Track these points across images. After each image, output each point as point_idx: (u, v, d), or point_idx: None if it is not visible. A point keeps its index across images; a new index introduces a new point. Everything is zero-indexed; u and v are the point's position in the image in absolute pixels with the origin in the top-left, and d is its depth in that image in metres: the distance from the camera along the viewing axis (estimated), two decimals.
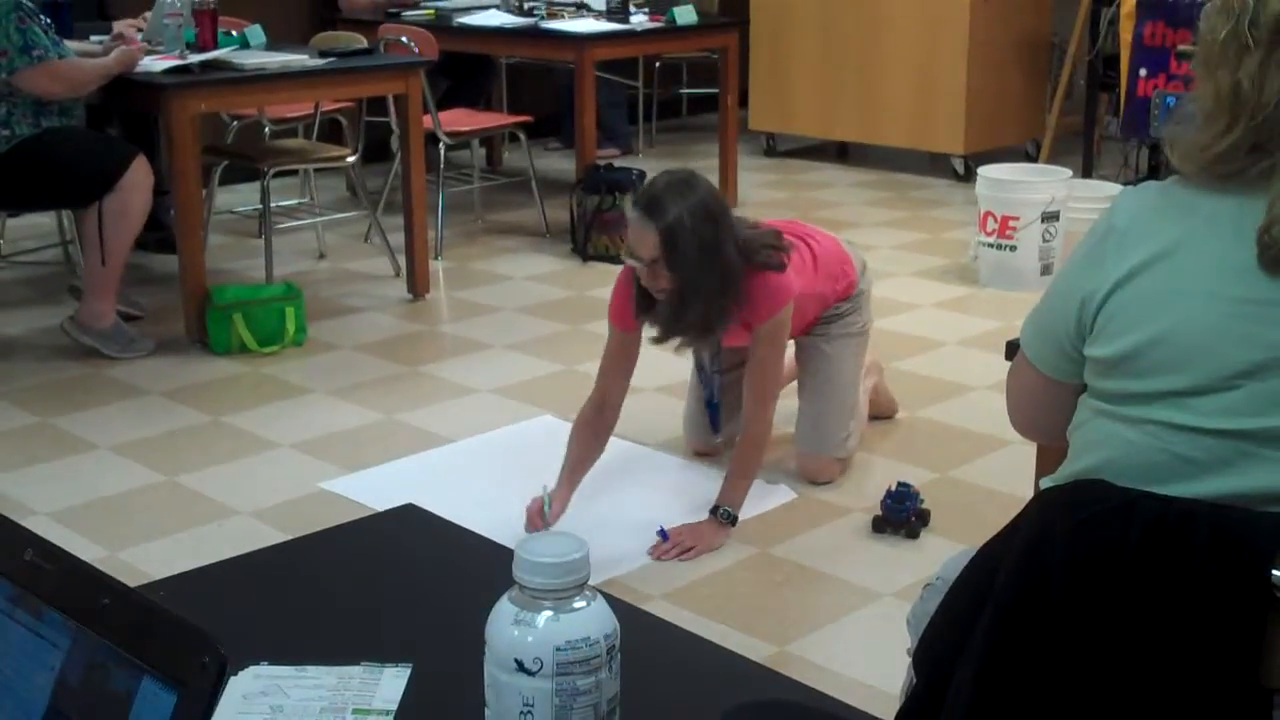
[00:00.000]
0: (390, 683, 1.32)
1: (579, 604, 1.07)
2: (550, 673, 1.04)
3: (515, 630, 1.06)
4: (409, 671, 1.33)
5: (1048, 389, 1.85)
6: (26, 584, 0.94)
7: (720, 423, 4.12)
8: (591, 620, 1.07)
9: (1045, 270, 5.73)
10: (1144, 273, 1.67)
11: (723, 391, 4.05)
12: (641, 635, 1.27)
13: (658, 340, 3.69)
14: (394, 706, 1.28)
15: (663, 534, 3.64)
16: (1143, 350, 1.67)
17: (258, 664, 1.35)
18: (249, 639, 1.40)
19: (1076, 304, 1.74)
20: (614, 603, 1.22)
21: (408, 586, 1.48)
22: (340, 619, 1.44)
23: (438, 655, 1.34)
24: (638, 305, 3.63)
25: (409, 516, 1.62)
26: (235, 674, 1.33)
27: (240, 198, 6.88)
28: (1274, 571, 1.51)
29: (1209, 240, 1.64)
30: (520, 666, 1.04)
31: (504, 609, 1.07)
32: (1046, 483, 1.80)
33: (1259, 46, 1.60)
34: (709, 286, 3.51)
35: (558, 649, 1.05)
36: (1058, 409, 1.83)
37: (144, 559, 3.56)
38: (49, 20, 4.97)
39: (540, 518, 3.55)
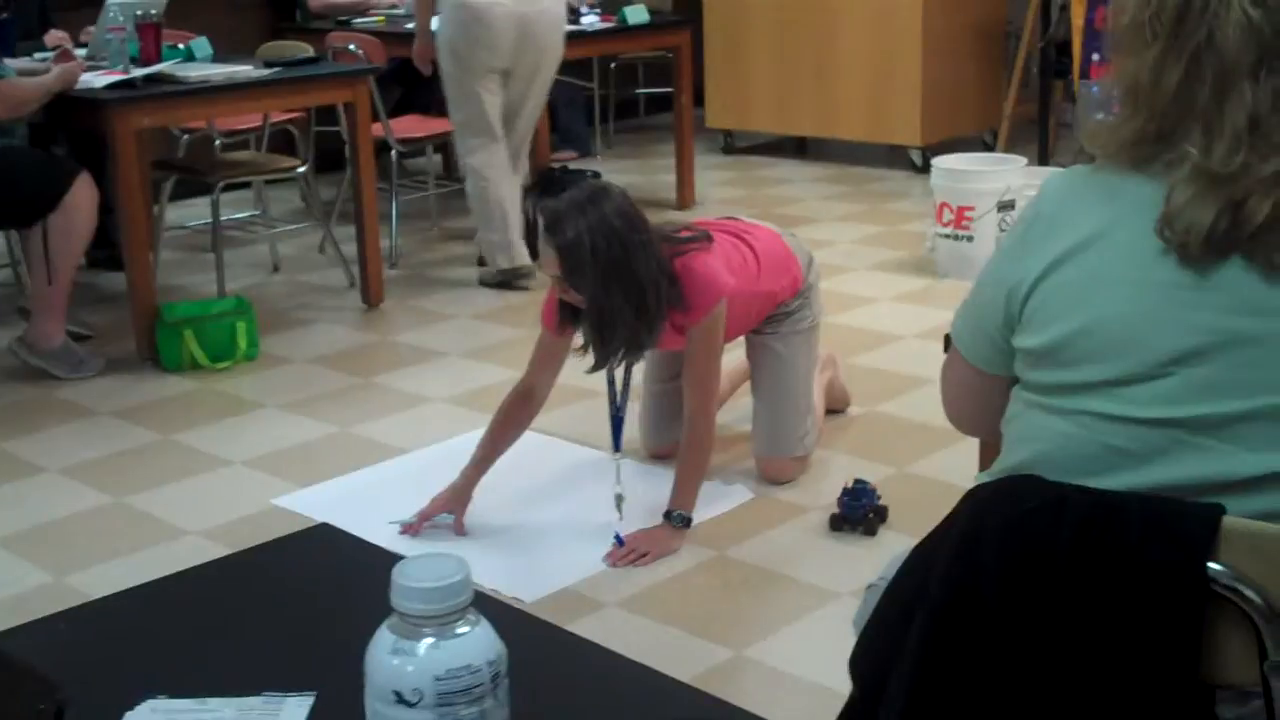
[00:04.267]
0: (292, 713, 1.27)
1: (461, 629, 1.02)
2: (431, 704, 0.99)
3: (394, 660, 1.01)
4: (311, 701, 1.28)
5: (980, 382, 1.81)
6: None
7: (648, 421, 4.08)
8: (474, 646, 1.01)
9: None
10: (1070, 260, 1.63)
11: (667, 399, 3.98)
12: (550, 654, 1.23)
13: (593, 369, 3.64)
14: None
15: (619, 540, 3.59)
16: (1071, 339, 1.63)
17: (156, 697, 1.30)
18: (149, 670, 1.36)
19: (1004, 294, 1.70)
20: (523, 620, 1.17)
21: (316, 611, 1.43)
22: (245, 647, 1.39)
23: (342, 684, 1.29)
24: (563, 316, 3.62)
25: (323, 537, 1.57)
26: (132, 709, 1.28)
27: (194, 212, 6.81)
28: (1210, 564, 1.47)
29: (1133, 225, 1.60)
30: (400, 699, 1.00)
31: (382, 638, 1.02)
32: (981, 478, 1.76)
33: (1158, 38, 1.57)
34: (620, 306, 3.45)
35: (438, 678, 0.99)
36: (991, 402, 1.80)
37: (91, 583, 3.50)
38: None
39: (422, 523, 3.66)
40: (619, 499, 3.76)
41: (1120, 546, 1.50)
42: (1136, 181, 1.61)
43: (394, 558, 1.58)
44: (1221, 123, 1.54)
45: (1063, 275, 1.63)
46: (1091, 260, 1.61)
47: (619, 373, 3.74)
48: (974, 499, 1.60)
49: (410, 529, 3.66)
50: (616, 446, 3.82)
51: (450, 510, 3.68)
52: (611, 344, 3.54)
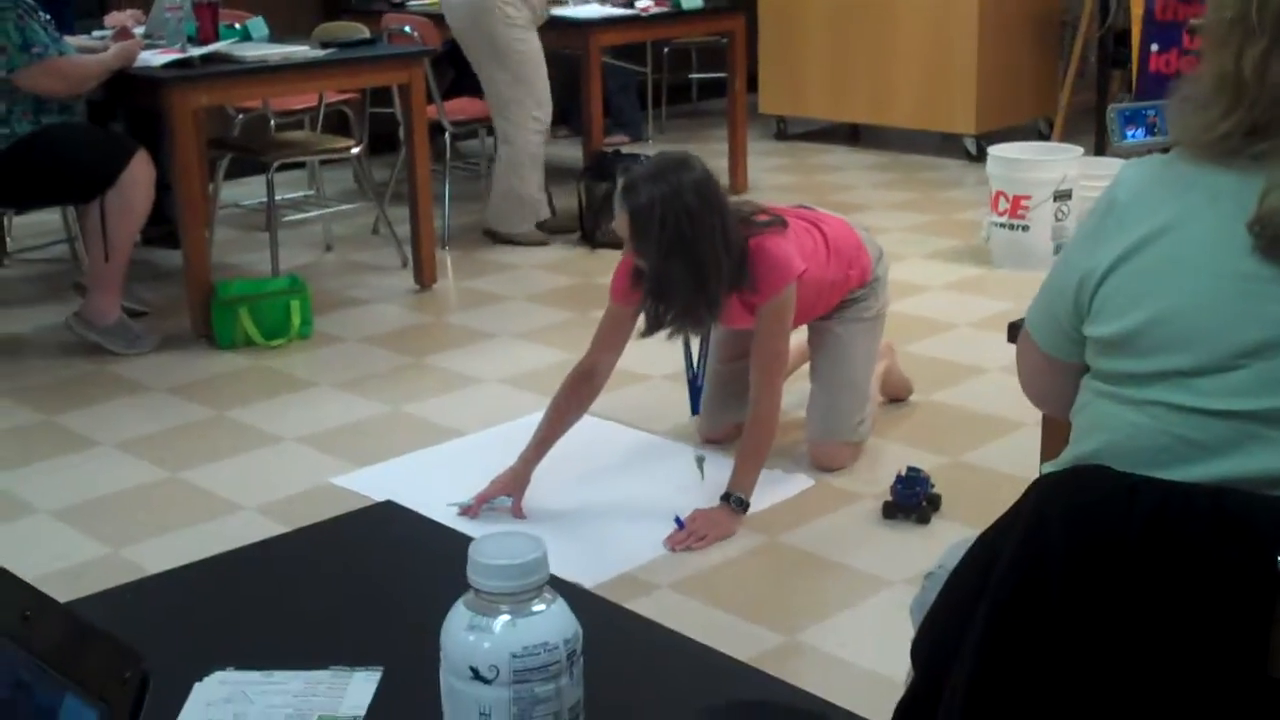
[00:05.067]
0: (359, 687, 1.27)
1: (537, 607, 1.02)
2: (507, 680, 0.99)
3: (470, 636, 1.01)
4: (379, 676, 1.29)
5: (1052, 368, 1.80)
6: None
7: (699, 404, 4.09)
8: (550, 624, 1.01)
9: (1058, 250, 5.66)
10: (1144, 249, 1.62)
11: (728, 380, 3.99)
12: (617, 634, 1.23)
13: (645, 334, 3.68)
14: (361, 712, 1.24)
15: (679, 523, 3.59)
16: (1144, 329, 1.61)
17: (224, 669, 1.30)
18: (217, 642, 1.36)
19: (1075, 283, 1.69)
20: (590, 600, 1.17)
21: (383, 587, 1.44)
22: (312, 621, 1.40)
23: (410, 658, 1.29)
24: (635, 284, 3.62)
25: (388, 514, 1.58)
26: (200, 679, 1.29)
27: (248, 190, 6.85)
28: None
29: (1209, 216, 1.59)
30: (476, 674, 0.99)
31: (458, 614, 1.02)
32: (1048, 468, 1.74)
33: (1264, 33, 1.55)
34: (680, 277, 3.48)
35: (514, 655, 0.99)
36: (1065, 388, 1.78)
37: (146, 556, 3.53)
38: (49, 16, 4.93)
39: (480, 505, 3.66)
40: (700, 460, 3.86)
41: (1189, 539, 1.48)
42: (1213, 172, 1.59)
43: (459, 536, 1.59)
44: None
45: (1136, 265, 1.62)
46: (1165, 250, 1.60)
47: (695, 344, 3.86)
48: (1040, 488, 1.59)
49: (468, 511, 3.66)
50: (695, 410, 3.94)
51: (509, 493, 3.68)
52: (666, 314, 3.58)
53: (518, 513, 3.66)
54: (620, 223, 3.51)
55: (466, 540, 1.60)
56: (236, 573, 1.53)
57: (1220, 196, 1.59)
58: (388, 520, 1.59)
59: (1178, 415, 1.59)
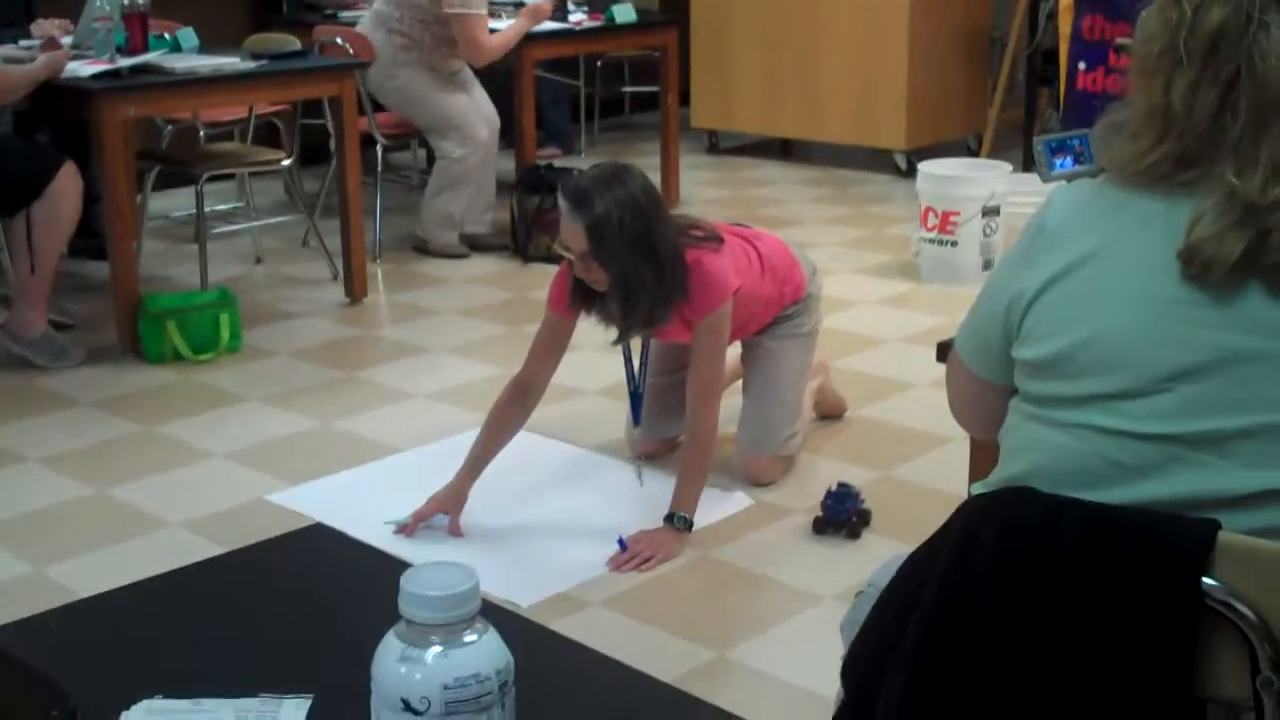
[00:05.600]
0: (289, 714, 1.26)
1: (469, 638, 1.01)
2: (439, 712, 0.99)
3: (402, 668, 1.00)
4: (309, 704, 1.28)
5: (981, 390, 1.82)
6: None
7: (642, 415, 4.09)
8: (482, 655, 1.01)
9: (986, 265, 5.72)
10: (1073, 273, 1.64)
11: (665, 394, 4.00)
12: (548, 660, 1.22)
13: (618, 340, 3.70)
14: None
15: (622, 544, 3.58)
16: (1072, 352, 1.63)
17: (151, 698, 1.29)
18: (144, 670, 1.35)
19: (1004, 305, 1.71)
20: (521, 625, 1.17)
21: (313, 613, 1.43)
22: (242, 647, 1.39)
23: (340, 687, 1.28)
24: (575, 296, 3.61)
25: (317, 537, 1.57)
26: (128, 708, 1.28)
27: (176, 202, 6.78)
28: (1205, 579, 1.48)
29: (1139, 240, 1.61)
30: (407, 706, 0.99)
31: (389, 645, 1.02)
32: (977, 489, 1.76)
33: (1192, 63, 1.57)
34: (646, 278, 3.49)
35: (446, 687, 0.99)
36: (994, 409, 1.80)
37: (72, 575, 3.48)
38: None
39: (416, 524, 3.64)
40: (639, 471, 3.90)
41: (1116, 560, 1.50)
42: (1142, 198, 1.61)
43: (390, 560, 1.59)
44: (1257, 154, 1.54)
45: (1064, 288, 1.64)
46: (1094, 274, 1.62)
47: (635, 354, 3.86)
48: (969, 508, 1.61)
49: (405, 530, 3.64)
50: (636, 421, 3.93)
51: (446, 511, 3.66)
52: (636, 314, 3.57)
53: (455, 530, 3.65)
54: (572, 236, 3.46)
55: (397, 564, 1.60)
56: (164, 597, 1.51)
57: (1149, 222, 1.61)
58: (317, 543, 1.58)
59: (1105, 438, 1.61)
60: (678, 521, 3.62)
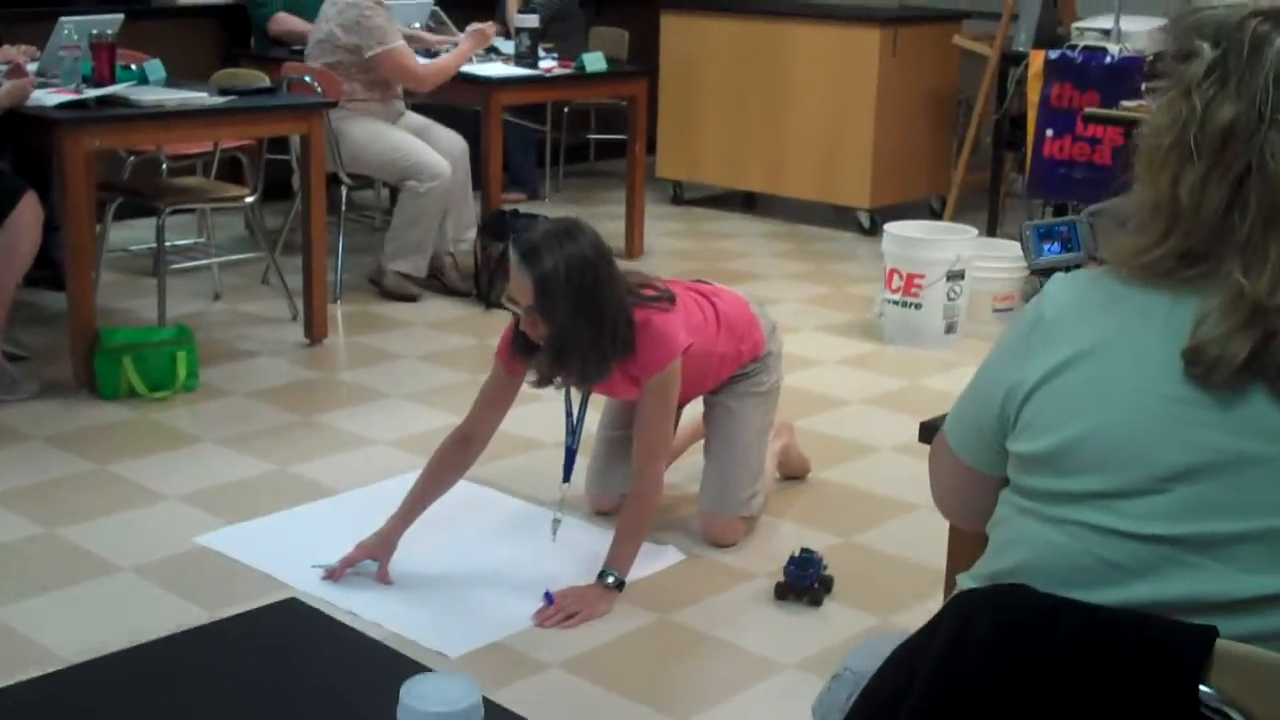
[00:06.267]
0: None
1: None
2: None
3: None
4: None
5: (970, 479, 1.79)
6: None
7: (596, 468, 4.06)
8: None
9: (949, 329, 5.72)
10: (1072, 367, 1.61)
11: (618, 447, 3.96)
12: None
13: (536, 384, 3.67)
14: None
15: (549, 598, 3.54)
16: (1068, 448, 1.61)
17: None
18: None
19: (1001, 395, 1.68)
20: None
21: (280, 692, 1.38)
22: None
23: None
24: (517, 347, 3.60)
25: (289, 614, 1.52)
26: None
27: (136, 234, 6.69)
28: (1202, 687, 1.45)
29: (1139, 336, 1.59)
30: None
31: None
32: (965, 580, 1.73)
33: (1202, 158, 1.54)
34: (584, 337, 3.48)
35: None
36: (982, 501, 1.77)
37: (19, 617, 3.40)
38: None
39: (344, 569, 3.59)
40: (556, 523, 3.79)
41: (1111, 664, 1.47)
42: (1144, 291, 1.59)
43: (362, 637, 1.54)
44: (1266, 253, 1.52)
45: (1064, 382, 1.61)
46: (1094, 369, 1.59)
47: (575, 406, 3.77)
48: (961, 604, 1.57)
49: (332, 575, 3.60)
50: (566, 478, 3.83)
51: (374, 558, 3.63)
52: (564, 370, 3.57)
53: (383, 578, 3.61)
54: (519, 289, 3.45)
55: (366, 641, 1.56)
56: (129, 674, 1.46)
57: (1151, 317, 1.59)
58: (288, 620, 1.53)
59: (1098, 536, 1.59)
60: (609, 579, 3.58)
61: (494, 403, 3.71)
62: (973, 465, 1.77)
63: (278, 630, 1.50)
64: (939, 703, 1.53)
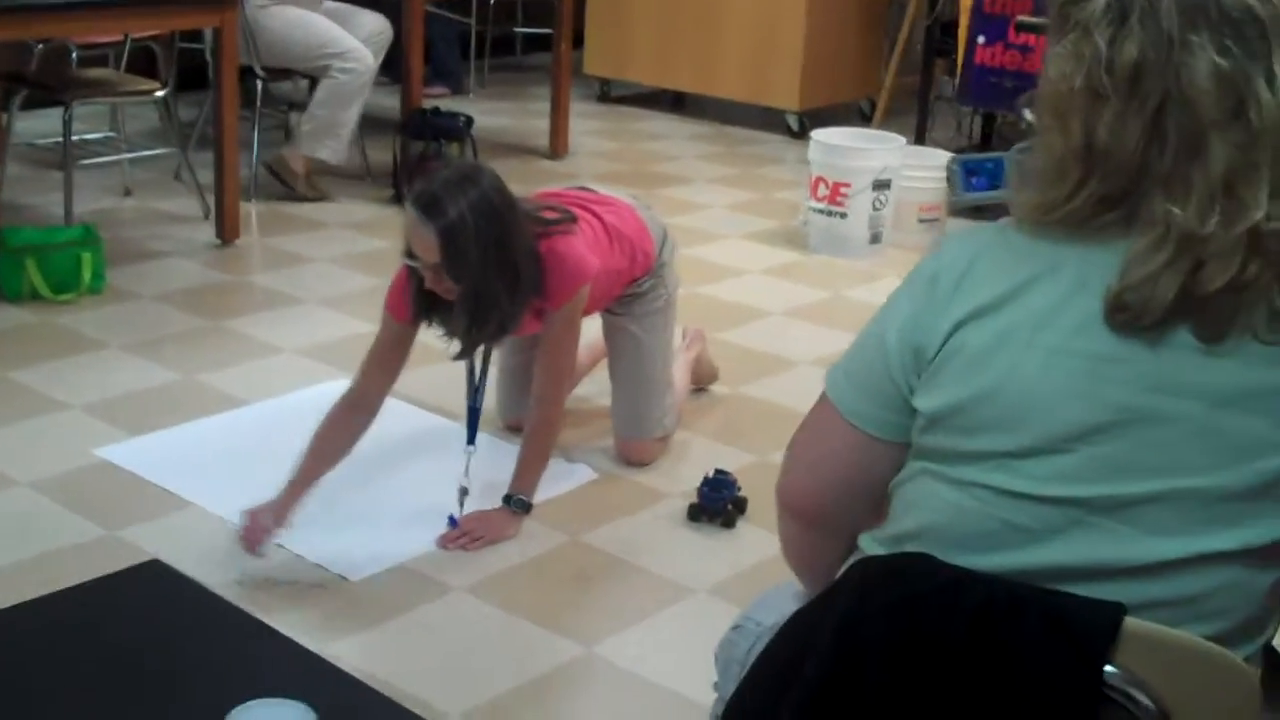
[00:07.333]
0: None
1: None
2: None
3: None
4: None
5: (866, 450, 1.66)
6: None
7: (504, 396, 3.97)
8: None
9: (874, 239, 5.65)
10: (977, 320, 1.53)
11: (524, 373, 3.79)
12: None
13: (460, 356, 3.45)
14: None
15: (452, 521, 3.46)
16: (970, 405, 1.53)
17: None
18: None
19: (909, 348, 1.59)
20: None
21: (140, 658, 1.30)
22: (67, 694, 1.26)
23: None
24: (418, 304, 3.35)
25: (151, 576, 1.44)
26: None
27: (43, 125, 6.48)
28: (1108, 667, 1.40)
29: (1046, 289, 1.51)
30: None
31: None
32: (866, 541, 1.67)
33: (1116, 94, 1.46)
34: (499, 289, 3.27)
35: None
36: (869, 480, 1.67)
37: None
38: None
39: (261, 537, 3.14)
40: (463, 492, 3.51)
41: (1015, 640, 1.42)
42: (1056, 245, 1.51)
43: (224, 604, 1.46)
44: (1189, 181, 1.44)
45: (968, 335, 1.53)
46: (1001, 323, 1.51)
47: (478, 362, 3.55)
48: (861, 574, 1.51)
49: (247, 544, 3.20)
50: (470, 440, 3.58)
51: (271, 530, 3.23)
52: (485, 329, 3.35)
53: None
54: (423, 246, 3.20)
55: (232, 610, 1.48)
56: None
57: (1059, 270, 1.51)
58: (149, 585, 1.45)
59: (1002, 499, 1.53)
60: (514, 504, 3.50)
61: (386, 361, 3.43)
62: (871, 431, 1.64)
63: (139, 595, 1.42)
64: (834, 674, 1.47)
